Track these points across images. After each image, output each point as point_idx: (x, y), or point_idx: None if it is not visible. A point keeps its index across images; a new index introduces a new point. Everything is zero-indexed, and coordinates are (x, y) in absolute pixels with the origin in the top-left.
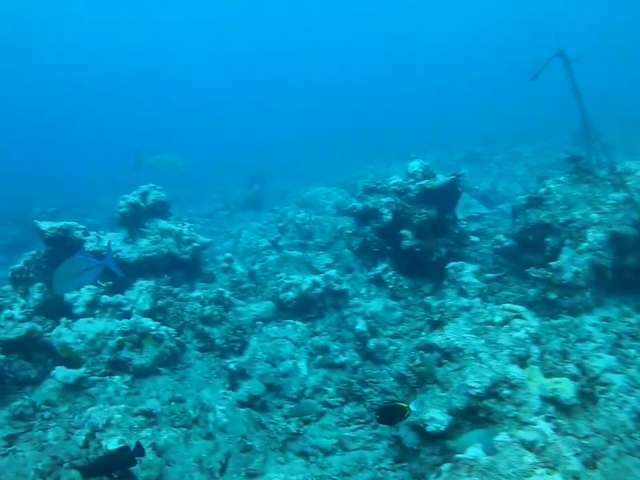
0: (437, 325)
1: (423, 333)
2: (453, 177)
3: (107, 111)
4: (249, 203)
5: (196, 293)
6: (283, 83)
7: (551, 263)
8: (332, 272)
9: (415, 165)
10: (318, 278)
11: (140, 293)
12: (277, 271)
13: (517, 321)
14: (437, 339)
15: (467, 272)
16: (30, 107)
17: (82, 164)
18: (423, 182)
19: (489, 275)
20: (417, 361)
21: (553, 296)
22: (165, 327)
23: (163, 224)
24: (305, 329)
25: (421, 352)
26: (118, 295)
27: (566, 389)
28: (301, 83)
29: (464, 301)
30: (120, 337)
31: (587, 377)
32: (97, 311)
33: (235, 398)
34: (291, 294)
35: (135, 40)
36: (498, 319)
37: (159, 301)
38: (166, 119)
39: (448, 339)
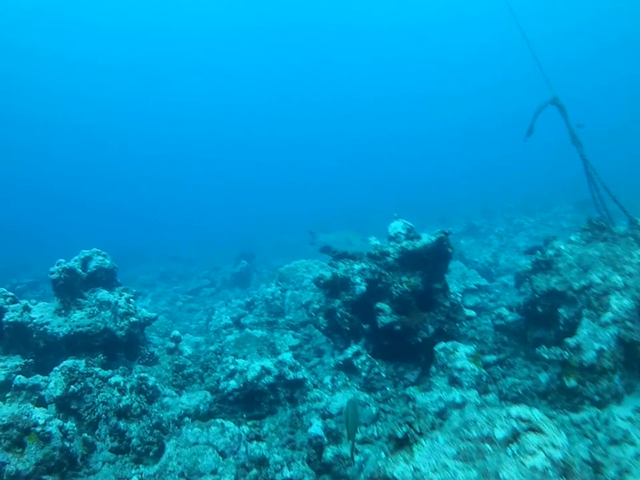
0: (402, 444)
1: (382, 455)
2: (440, 235)
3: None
4: (236, 279)
5: (115, 378)
6: (293, 163)
7: (567, 340)
8: (286, 356)
9: (398, 226)
10: (268, 363)
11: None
12: (234, 353)
13: (532, 437)
14: (399, 469)
15: (461, 355)
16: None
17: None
18: (404, 243)
19: (489, 358)
20: None
21: (571, 382)
22: (58, 422)
23: (102, 294)
24: (236, 432)
25: None
26: (37, 376)
27: None
28: (311, 164)
29: (456, 395)
30: None
31: None
32: (9, 395)
33: None
34: (232, 383)
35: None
36: (500, 433)
37: (73, 386)
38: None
39: (417, 470)
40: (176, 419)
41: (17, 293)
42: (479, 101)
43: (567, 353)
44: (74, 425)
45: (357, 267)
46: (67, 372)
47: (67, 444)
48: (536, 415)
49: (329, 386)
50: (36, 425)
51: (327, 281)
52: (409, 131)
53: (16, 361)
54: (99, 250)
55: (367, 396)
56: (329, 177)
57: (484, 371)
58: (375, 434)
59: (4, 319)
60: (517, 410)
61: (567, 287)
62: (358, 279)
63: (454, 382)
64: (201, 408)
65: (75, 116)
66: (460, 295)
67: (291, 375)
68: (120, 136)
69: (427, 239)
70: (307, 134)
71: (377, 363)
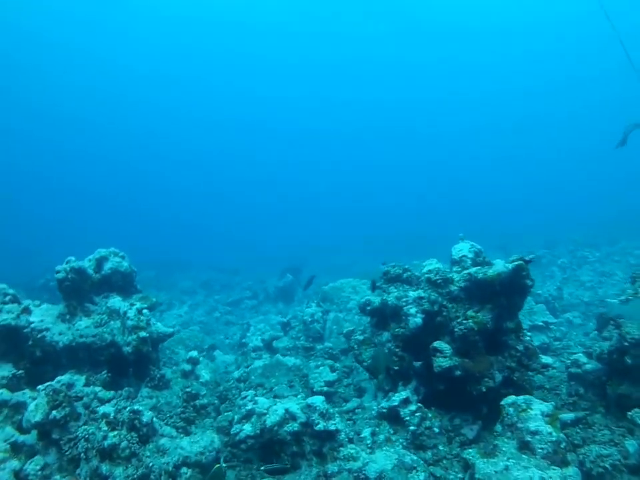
0: None
1: None
2: (519, 262)
3: None
4: (279, 294)
5: (105, 408)
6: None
7: None
8: (317, 400)
9: (464, 249)
10: (294, 407)
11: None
12: (260, 383)
13: None
14: None
15: (536, 414)
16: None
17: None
18: (472, 270)
19: (565, 416)
20: None
21: None
22: (14, 464)
23: (113, 301)
24: None
25: None
26: (25, 391)
27: None
28: (366, 188)
29: (534, 475)
30: None
31: None
32: None
33: None
34: (247, 429)
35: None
36: None
37: (55, 412)
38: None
39: None
40: (170, 469)
41: (50, 289)
42: (543, 132)
43: None
44: (38, 467)
45: (412, 294)
46: (51, 393)
47: None
48: None
49: (368, 441)
50: None
51: (374, 308)
52: (472, 156)
53: (5, 370)
54: (116, 250)
55: (415, 457)
56: (385, 200)
57: (562, 435)
58: None
59: None
60: None
61: None
62: (413, 310)
63: (524, 447)
64: (204, 458)
65: (135, 130)
66: (529, 336)
67: (321, 425)
68: (175, 149)
69: (501, 266)
70: (361, 158)
71: (430, 415)
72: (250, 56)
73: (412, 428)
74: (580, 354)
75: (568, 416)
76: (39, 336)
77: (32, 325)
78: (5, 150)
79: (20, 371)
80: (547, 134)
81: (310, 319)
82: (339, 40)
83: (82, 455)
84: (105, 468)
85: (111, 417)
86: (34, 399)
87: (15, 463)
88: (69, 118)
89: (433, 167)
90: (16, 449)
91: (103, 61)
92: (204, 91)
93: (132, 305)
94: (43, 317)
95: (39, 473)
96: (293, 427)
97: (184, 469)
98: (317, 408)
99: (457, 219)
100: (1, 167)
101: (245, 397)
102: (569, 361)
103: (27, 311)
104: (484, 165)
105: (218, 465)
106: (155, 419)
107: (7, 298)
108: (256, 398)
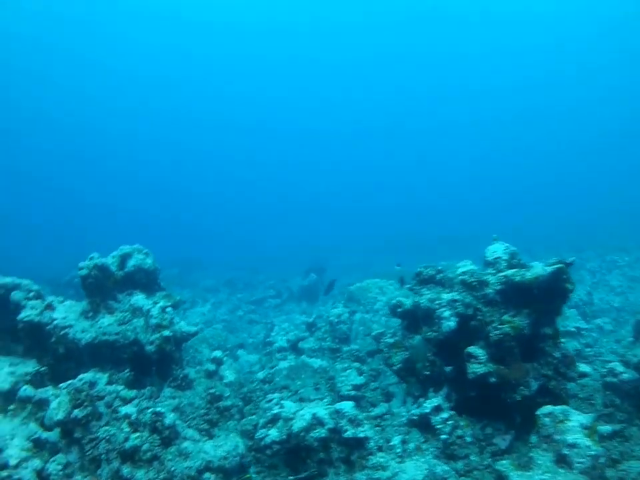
0: None
1: None
2: (559, 265)
3: None
4: (304, 293)
5: (127, 408)
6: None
7: None
8: (346, 406)
9: (498, 250)
10: (322, 412)
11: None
12: (285, 385)
13: None
14: None
15: (574, 425)
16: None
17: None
18: (509, 272)
19: (602, 428)
20: None
21: None
22: (36, 464)
23: (137, 299)
24: None
25: None
26: (48, 388)
27: None
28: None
29: None
30: None
31: None
32: (12, 407)
33: None
34: (273, 433)
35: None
36: None
37: (77, 411)
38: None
39: None
40: (193, 473)
41: (76, 286)
42: (557, 131)
43: None
44: (60, 467)
45: (446, 296)
46: (73, 392)
47: None
48: None
49: (398, 449)
50: (5, 466)
51: (405, 310)
52: (479, 157)
53: (29, 367)
54: (140, 247)
55: (446, 468)
56: (390, 200)
57: (602, 449)
58: None
59: (19, 317)
60: None
61: None
62: (446, 313)
63: (561, 461)
64: (228, 463)
65: (161, 137)
66: (564, 342)
67: (350, 432)
68: (174, 149)
69: (540, 269)
70: (363, 158)
71: (462, 423)
72: (249, 56)
73: (443, 437)
74: (616, 362)
75: (605, 428)
76: (62, 333)
77: (55, 322)
78: (26, 154)
79: (43, 368)
80: (563, 133)
81: (336, 320)
82: (337, 40)
83: (103, 455)
84: (126, 470)
85: (133, 418)
86: (57, 396)
87: (37, 462)
88: (77, 123)
89: (440, 167)
90: (39, 445)
91: (103, 65)
92: (205, 92)
93: (155, 302)
94: (66, 313)
95: (61, 472)
96: (321, 433)
97: (207, 474)
98: (346, 414)
99: (468, 220)
100: (23, 169)
101: (271, 401)
102: (604, 370)
103: (50, 307)
104: (493, 166)
105: (248, 475)
106: (177, 421)
107: (31, 294)
108: (282, 402)
